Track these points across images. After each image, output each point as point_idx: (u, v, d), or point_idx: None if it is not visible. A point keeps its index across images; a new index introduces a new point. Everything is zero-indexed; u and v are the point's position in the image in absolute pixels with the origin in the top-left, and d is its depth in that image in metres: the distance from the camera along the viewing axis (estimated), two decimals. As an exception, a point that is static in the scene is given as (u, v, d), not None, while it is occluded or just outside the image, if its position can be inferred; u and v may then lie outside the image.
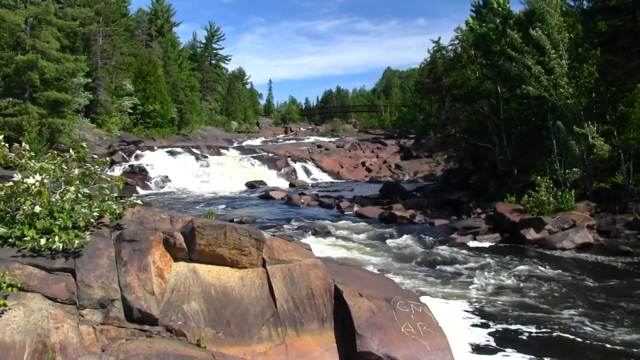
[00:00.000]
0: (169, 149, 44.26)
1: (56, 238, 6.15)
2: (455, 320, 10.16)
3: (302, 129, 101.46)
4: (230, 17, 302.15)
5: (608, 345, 9.13)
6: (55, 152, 7.64)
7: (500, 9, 27.49)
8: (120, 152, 40.54)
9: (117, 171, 36.31)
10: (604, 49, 21.52)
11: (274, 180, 42.47)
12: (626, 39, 21.21)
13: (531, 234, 17.79)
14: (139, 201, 7.62)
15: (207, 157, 43.89)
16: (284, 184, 41.45)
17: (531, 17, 23.56)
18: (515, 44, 22.38)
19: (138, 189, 34.30)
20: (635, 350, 8.89)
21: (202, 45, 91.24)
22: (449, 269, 14.70)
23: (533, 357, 8.69)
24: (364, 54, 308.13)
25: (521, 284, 13.03)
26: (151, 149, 43.29)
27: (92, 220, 6.84)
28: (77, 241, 6.24)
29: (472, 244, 18.05)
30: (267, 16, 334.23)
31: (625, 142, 20.34)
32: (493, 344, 9.29)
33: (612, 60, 21.42)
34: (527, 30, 22.24)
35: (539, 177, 20.06)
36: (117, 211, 7.27)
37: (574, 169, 20.45)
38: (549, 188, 19.48)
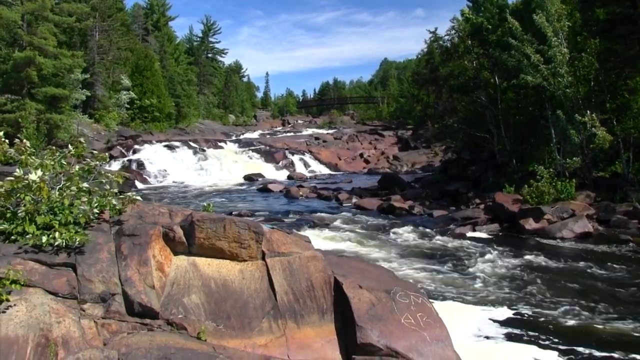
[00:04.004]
0: (167, 143, 44.16)
1: (57, 234, 6.17)
2: (455, 310, 10.19)
3: (299, 121, 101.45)
4: (228, 10, 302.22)
5: (609, 335, 9.18)
6: (54, 147, 7.64)
7: None
8: (118, 146, 40.51)
9: (116, 166, 36.30)
10: (602, 36, 21.48)
11: (272, 172, 42.48)
12: (625, 26, 21.12)
13: (530, 224, 17.81)
14: (138, 197, 7.62)
15: (205, 150, 43.88)
16: (282, 176, 41.44)
17: (528, 5, 23.53)
18: (516, 31, 22.34)
19: (137, 183, 34.32)
20: (636, 338, 8.94)
21: (198, 39, 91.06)
22: (448, 259, 14.73)
23: (534, 346, 8.74)
24: (361, 46, 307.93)
25: (521, 274, 13.08)
26: (149, 143, 43.21)
27: (92, 216, 6.85)
28: (77, 238, 6.27)
29: (471, 234, 18.08)
30: (265, 9, 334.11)
31: (624, 131, 20.34)
32: (493, 334, 9.34)
33: (611, 48, 21.37)
34: (524, 19, 22.20)
35: (542, 168, 20.06)
36: (118, 207, 7.28)
37: (574, 159, 20.44)
38: (551, 178, 19.50)
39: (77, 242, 6.28)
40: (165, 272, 6.68)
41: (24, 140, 7.19)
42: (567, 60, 21.20)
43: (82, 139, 7.98)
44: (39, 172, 6.52)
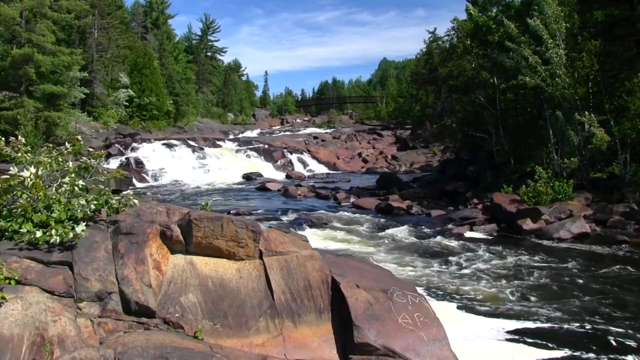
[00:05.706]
0: (165, 141, 44.08)
1: (52, 231, 6.15)
2: (452, 310, 10.18)
3: (298, 120, 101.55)
4: (228, 9, 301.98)
5: (606, 336, 9.17)
6: (51, 145, 7.61)
7: None
8: (116, 144, 40.42)
9: (114, 164, 36.27)
10: (600, 38, 21.48)
11: (271, 171, 42.47)
12: (623, 28, 21.16)
13: (528, 224, 17.79)
14: (136, 201, 7.55)
15: (203, 149, 43.80)
16: (280, 175, 41.47)
17: (528, 6, 23.52)
18: (513, 34, 22.34)
19: (135, 181, 34.30)
20: (633, 339, 8.93)
21: (197, 37, 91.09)
22: (445, 259, 14.71)
23: (532, 347, 8.73)
24: (362, 45, 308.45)
25: (518, 275, 13.06)
26: (147, 141, 43.10)
27: (89, 212, 6.82)
28: (72, 234, 6.24)
29: (469, 234, 18.04)
30: (265, 8, 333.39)
31: (622, 132, 20.36)
32: (490, 334, 9.31)
33: (609, 50, 21.38)
34: (524, 20, 22.20)
35: (540, 168, 20.06)
36: (115, 206, 7.23)
37: (572, 159, 20.45)
38: (550, 178, 19.51)
39: (71, 237, 6.25)
40: (162, 271, 6.66)
41: (19, 138, 7.16)
42: (564, 61, 21.19)
43: (79, 137, 7.95)
44: (33, 169, 6.49)
